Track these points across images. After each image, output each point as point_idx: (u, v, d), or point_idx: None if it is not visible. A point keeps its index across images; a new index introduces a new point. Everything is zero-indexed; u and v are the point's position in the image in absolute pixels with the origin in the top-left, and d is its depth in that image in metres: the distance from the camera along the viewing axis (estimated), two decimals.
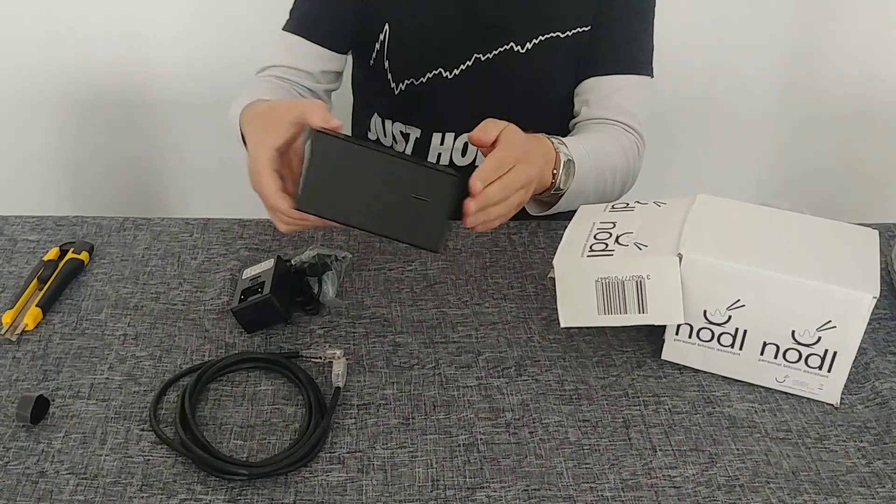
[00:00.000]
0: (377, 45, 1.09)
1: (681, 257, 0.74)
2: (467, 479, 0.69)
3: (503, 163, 0.80)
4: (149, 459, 0.70)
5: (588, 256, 0.77)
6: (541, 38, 1.06)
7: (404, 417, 0.74)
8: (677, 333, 0.78)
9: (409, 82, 1.09)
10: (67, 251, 0.92)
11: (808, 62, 1.71)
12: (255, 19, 1.49)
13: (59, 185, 1.76)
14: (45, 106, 1.66)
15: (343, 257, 0.90)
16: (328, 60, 1.09)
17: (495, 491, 0.68)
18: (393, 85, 1.10)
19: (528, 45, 1.06)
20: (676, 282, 0.74)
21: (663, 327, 0.80)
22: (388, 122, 1.15)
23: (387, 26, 1.06)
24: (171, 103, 1.68)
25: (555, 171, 0.95)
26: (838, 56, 1.70)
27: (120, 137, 1.72)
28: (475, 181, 0.77)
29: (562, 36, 1.07)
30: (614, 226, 0.80)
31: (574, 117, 1.15)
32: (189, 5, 1.59)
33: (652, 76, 1.13)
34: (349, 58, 1.15)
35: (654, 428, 0.74)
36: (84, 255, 0.92)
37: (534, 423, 0.74)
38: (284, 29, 1.10)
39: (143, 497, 0.66)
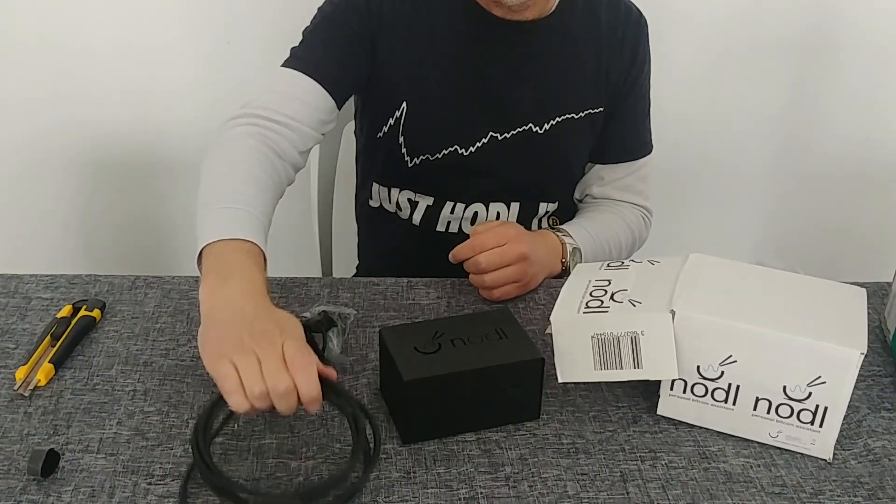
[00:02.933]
0: (391, 121, 1.10)
1: (674, 314, 0.76)
2: None
3: (485, 240, 0.97)
4: None
5: (584, 313, 0.79)
6: (558, 119, 1.11)
7: (405, 471, 0.76)
8: (672, 389, 0.80)
9: (424, 158, 1.11)
10: (80, 308, 0.94)
11: (804, 125, 1.76)
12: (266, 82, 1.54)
13: (72, 244, 1.80)
14: (58, 167, 1.71)
15: (347, 315, 0.92)
16: (323, 104, 1.03)
17: None
18: (407, 159, 1.12)
19: (546, 126, 1.11)
20: (670, 338, 0.76)
21: (658, 383, 0.81)
22: (394, 191, 1.17)
23: (404, 105, 1.08)
24: (181, 164, 1.72)
25: (563, 261, 1.07)
26: (833, 119, 1.75)
27: (132, 198, 1.76)
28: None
29: (576, 117, 1.12)
30: (609, 283, 0.83)
31: (582, 185, 1.21)
32: (199, 68, 1.65)
33: (649, 153, 1.22)
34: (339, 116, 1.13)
35: (651, 482, 0.76)
36: (96, 313, 0.94)
37: (533, 476, 0.76)
38: (285, 65, 1.04)
39: None
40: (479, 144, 1.10)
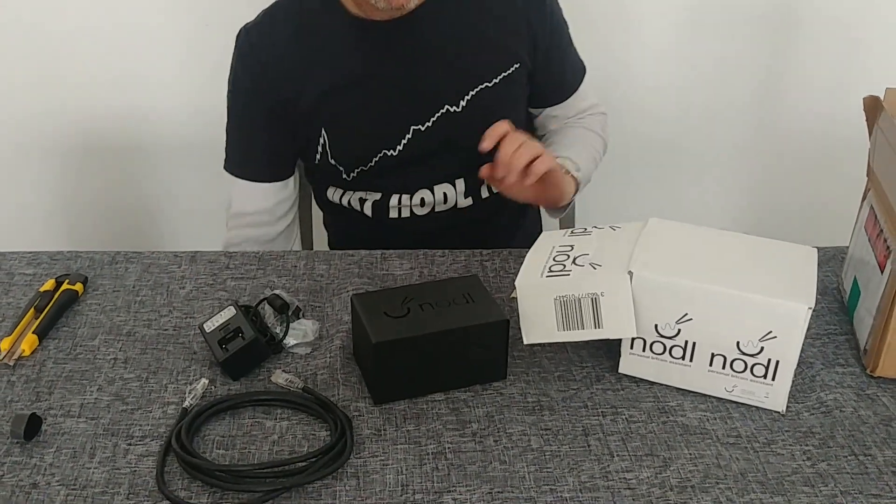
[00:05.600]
0: (319, 149, 1.14)
1: (631, 275, 0.79)
2: (435, 484, 0.73)
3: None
4: (135, 470, 0.74)
5: (547, 277, 0.83)
6: (472, 93, 1.12)
7: (376, 429, 0.79)
8: (632, 347, 0.84)
9: (359, 169, 1.15)
10: (63, 283, 0.97)
11: (771, 101, 1.79)
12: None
13: (55, 227, 1.82)
14: (42, 150, 1.73)
15: (290, 302, 0.91)
16: (279, 190, 1.17)
17: (461, 494, 0.73)
18: (346, 176, 1.16)
19: (463, 103, 1.12)
20: (628, 298, 0.80)
21: (620, 343, 0.85)
22: (347, 194, 1.21)
23: (324, 131, 1.12)
24: (162, 147, 1.75)
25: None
26: (800, 94, 1.78)
27: (114, 180, 1.78)
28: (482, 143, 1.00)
29: (490, 85, 1.13)
30: (572, 248, 0.86)
31: (540, 129, 1.28)
32: (181, 52, 1.66)
33: (585, 70, 1.27)
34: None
35: (611, 436, 0.79)
36: (79, 286, 0.97)
37: (498, 432, 0.79)
38: (227, 170, 1.17)
39: None
40: (404, 141, 1.12)
